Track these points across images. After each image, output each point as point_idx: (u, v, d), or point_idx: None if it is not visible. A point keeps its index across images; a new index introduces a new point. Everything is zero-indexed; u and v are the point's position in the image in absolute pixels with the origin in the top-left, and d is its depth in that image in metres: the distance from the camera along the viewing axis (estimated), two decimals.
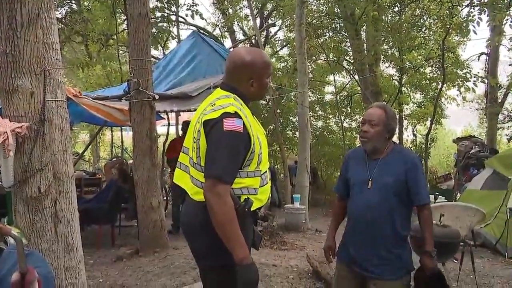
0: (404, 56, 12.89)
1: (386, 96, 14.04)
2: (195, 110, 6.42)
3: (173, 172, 7.37)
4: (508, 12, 9.54)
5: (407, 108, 15.56)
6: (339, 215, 3.11)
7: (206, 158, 2.09)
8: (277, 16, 16.36)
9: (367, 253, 2.74)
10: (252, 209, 2.15)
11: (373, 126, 2.77)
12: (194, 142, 2.18)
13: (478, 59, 13.62)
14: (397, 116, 14.55)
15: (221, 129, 2.03)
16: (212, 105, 2.17)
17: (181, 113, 10.25)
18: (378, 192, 2.73)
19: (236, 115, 2.08)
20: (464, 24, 10.16)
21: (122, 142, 14.75)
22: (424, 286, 2.84)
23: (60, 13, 11.41)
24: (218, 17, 18.20)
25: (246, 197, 2.13)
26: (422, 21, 12.46)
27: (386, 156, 2.80)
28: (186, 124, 8.28)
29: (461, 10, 11.25)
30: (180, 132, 8.98)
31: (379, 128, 2.76)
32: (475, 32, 9.78)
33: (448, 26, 10.54)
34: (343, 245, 2.94)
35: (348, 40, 13.56)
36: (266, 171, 2.28)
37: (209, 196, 2.02)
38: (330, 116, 16.01)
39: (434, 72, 13.78)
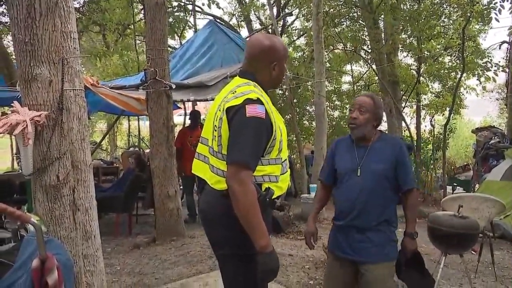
0: (422, 45, 12.69)
1: (404, 85, 13.85)
2: (212, 99, 6.44)
3: (179, 162, 7.28)
4: None
5: (425, 98, 15.34)
6: (322, 201, 3.22)
7: (229, 145, 2.07)
8: (294, 5, 16.23)
9: (358, 238, 2.78)
10: (273, 197, 2.14)
11: (362, 113, 2.83)
12: (215, 131, 2.17)
13: (500, 48, 13.36)
14: (415, 106, 14.48)
15: (244, 115, 2.02)
16: (233, 93, 2.16)
17: (198, 103, 10.26)
18: (369, 179, 2.76)
19: (258, 101, 2.07)
20: (486, 11, 9.94)
21: (139, 131, 14.83)
22: (403, 268, 2.88)
23: (78, 3, 11.47)
24: (235, 6, 18.18)
25: (267, 186, 2.12)
26: (441, 10, 12.23)
27: (374, 143, 2.85)
28: (193, 113, 8.27)
29: None
30: (188, 122, 8.93)
31: (368, 115, 2.82)
32: (497, 20, 9.54)
33: (468, 14, 10.32)
34: (332, 234, 3.00)
35: (365, 29, 13.37)
36: (286, 159, 2.27)
37: (232, 183, 1.99)
38: (347, 106, 15.84)
39: (453, 62, 13.55)
